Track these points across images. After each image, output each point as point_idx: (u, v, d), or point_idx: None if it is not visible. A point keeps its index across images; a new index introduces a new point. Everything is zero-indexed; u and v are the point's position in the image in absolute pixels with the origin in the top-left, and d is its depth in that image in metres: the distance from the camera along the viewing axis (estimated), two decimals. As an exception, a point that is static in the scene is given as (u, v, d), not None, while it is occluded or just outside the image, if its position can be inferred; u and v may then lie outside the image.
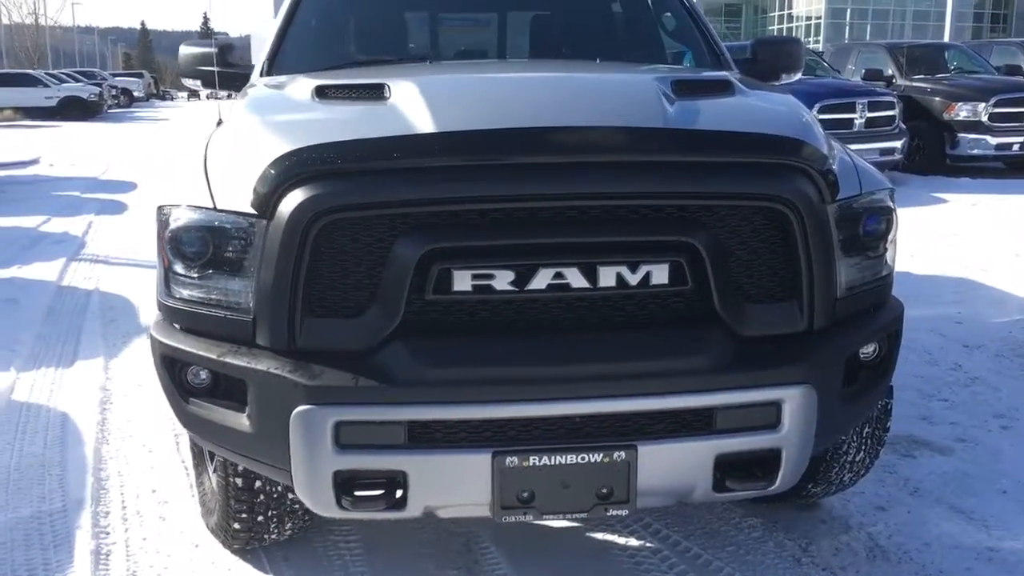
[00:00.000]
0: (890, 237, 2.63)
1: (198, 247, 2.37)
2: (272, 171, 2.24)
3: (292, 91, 2.92)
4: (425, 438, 2.24)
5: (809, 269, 2.35)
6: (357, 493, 2.26)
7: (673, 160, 2.27)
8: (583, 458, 2.23)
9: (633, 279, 2.24)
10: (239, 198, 2.30)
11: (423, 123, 2.31)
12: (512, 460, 2.21)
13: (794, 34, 56.51)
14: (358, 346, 2.25)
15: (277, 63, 3.73)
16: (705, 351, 2.28)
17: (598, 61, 3.63)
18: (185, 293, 2.42)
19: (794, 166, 2.33)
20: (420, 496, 2.27)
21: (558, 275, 2.21)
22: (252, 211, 2.27)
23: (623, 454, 2.24)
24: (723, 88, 2.85)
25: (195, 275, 2.39)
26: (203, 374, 2.42)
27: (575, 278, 2.21)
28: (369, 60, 3.79)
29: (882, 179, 2.71)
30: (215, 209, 2.36)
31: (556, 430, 2.27)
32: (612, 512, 2.28)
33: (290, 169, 2.22)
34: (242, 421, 2.33)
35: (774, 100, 2.92)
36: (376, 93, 2.64)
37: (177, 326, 2.48)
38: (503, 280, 2.20)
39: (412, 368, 2.21)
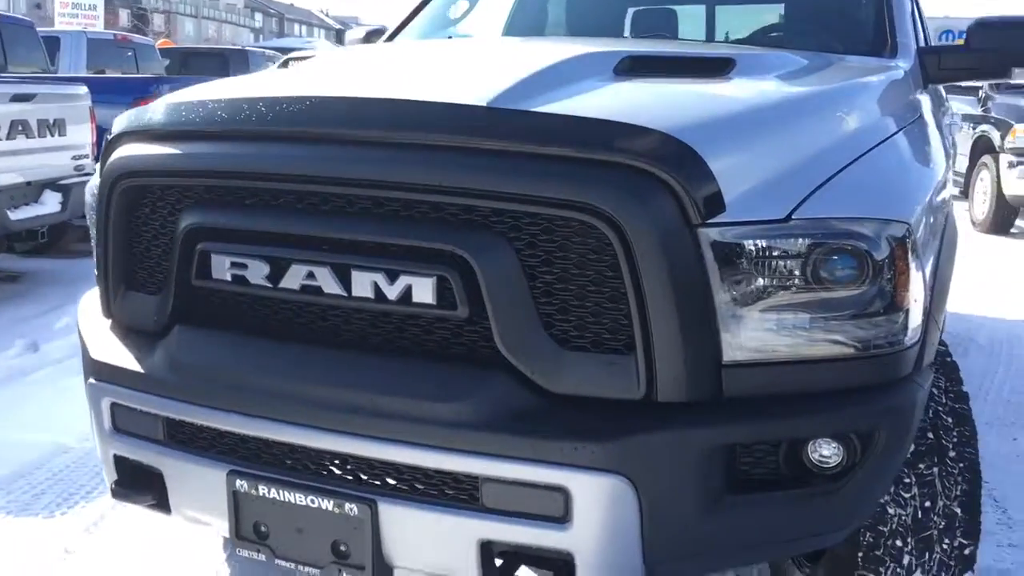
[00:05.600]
0: (876, 290, 1.74)
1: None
2: (112, 129, 2.17)
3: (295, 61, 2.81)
4: (178, 439, 2.01)
5: (643, 316, 1.65)
6: (129, 483, 2.10)
7: (450, 144, 1.73)
8: (314, 502, 1.82)
9: (391, 292, 1.76)
10: None
11: (257, 89, 2.07)
12: (242, 484, 1.88)
13: None
14: (151, 326, 2.09)
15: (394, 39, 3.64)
16: (476, 399, 1.72)
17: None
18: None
19: (625, 166, 1.64)
20: (178, 501, 2.04)
21: (310, 275, 1.82)
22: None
23: (357, 508, 1.79)
24: (711, 68, 2.13)
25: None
26: None
27: (327, 282, 1.81)
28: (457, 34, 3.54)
29: (886, 204, 1.81)
30: (97, 163, 2.35)
31: (293, 462, 1.89)
32: None
33: (116, 127, 2.13)
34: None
35: (749, 87, 2.11)
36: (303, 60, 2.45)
37: None
38: (257, 273, 1.87)
39: (173, 359, 1.99)
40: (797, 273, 1.71)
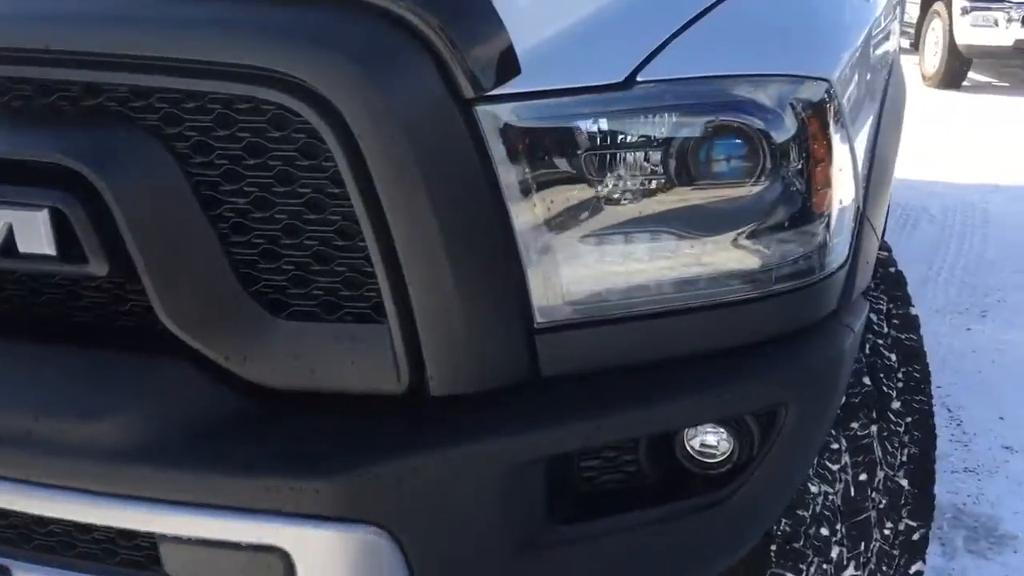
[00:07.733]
0: (780, 189, 1.09)
1: None
2: None
3: None
4: None
5: (391, 260, 0.98)
6: None
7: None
8: None
9: None
10: None
11: None
12: None
13: None
14: None
15: None
16: (135, 409, 1.05)
17: None
18: None
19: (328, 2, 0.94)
20: None
21: None
22: None
23: None
24: None
25: None
26: None
27: None
28: None
29: (794, 52, 1.14)
30: None
31: None
32: None
33: None
34: None
35: None
36: None
37: None
38: None
39: None
40: (649, 169, 1.05)
